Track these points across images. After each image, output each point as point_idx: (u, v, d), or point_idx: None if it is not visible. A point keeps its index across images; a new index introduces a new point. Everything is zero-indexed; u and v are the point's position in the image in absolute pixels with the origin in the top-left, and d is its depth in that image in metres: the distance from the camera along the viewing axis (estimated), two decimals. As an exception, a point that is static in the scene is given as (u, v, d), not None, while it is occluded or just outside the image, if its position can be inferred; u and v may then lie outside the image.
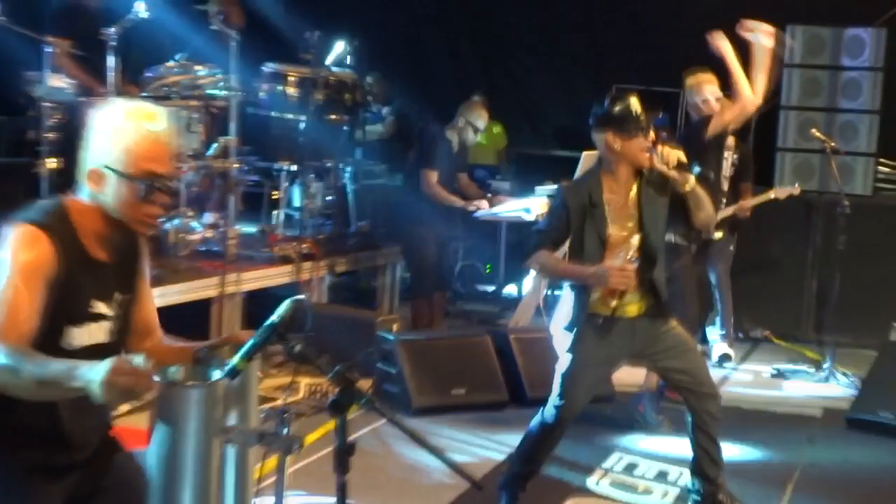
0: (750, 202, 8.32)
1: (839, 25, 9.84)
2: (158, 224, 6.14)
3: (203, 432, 2.91)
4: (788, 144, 9.65)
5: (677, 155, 5.24)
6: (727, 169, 8.08)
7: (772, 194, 8.40)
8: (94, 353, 2.97)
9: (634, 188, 5.15)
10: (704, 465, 5.40)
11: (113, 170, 2.97)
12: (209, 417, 2.91)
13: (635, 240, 5.09)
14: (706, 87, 7.05)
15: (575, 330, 5.11)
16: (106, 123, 3.03)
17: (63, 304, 2.93)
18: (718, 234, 7.94)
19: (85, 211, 3.03)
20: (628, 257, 5.07)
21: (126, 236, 3.13)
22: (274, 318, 2.97)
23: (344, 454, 2.89)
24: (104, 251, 3.07)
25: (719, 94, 6.97)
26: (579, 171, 7.71)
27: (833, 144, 8.71)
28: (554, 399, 5.08)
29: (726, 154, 7.86)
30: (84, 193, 3.04)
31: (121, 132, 3.00)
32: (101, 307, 3.05)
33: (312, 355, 2.96)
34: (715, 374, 8.35)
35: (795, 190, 8.50)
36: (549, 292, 8.20)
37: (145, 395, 2.90)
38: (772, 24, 9.74)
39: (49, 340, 2.91)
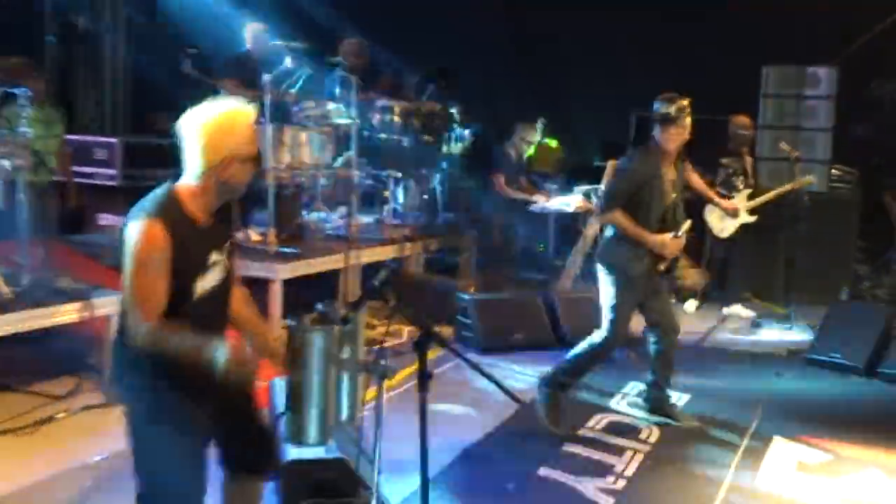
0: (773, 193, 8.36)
1: (802, 65, 9.69)
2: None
3: (324, 363, 2.93)
4: (764, 155, 9.48)
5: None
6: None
7: (788, 186, 8.35)
8: (215, 292, 2.99)
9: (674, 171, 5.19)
10: (662, 381, 5.45)
11: (239, 158, 2.93)
12: (329, 352, 2.93)
13: (687, 223, 5.12)
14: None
15: (625, 278, 5.11)
16: (221, 125, 2.92)
17: (188, 265, 2.89)
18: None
19: (192, 191, 2.93)
20: (680, 234, 5.08)
21: (224, 205, 3.05)
22: (374, 281, 3.00)
23: (424, 379, 2.93)
24: (210, 217, 2.99)
25: None
26: (605, 178, 7.68)
27: (797, 154, 8.57)
28: (606, 328, 5.07)
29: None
30: (193, 178, 2.94)
31: (238, 129, 2.94)
32: (214, 255, 3.00)
33: (403, 308, 3.01)
34: (710, 322, 8.35)
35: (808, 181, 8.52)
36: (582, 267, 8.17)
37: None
38: (750, 64, 9.74)
39: (183, 292, 2.89)
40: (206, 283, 2.98)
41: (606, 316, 5.14)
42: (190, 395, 2.95)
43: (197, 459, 3.02)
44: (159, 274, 2.80)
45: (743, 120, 8.72)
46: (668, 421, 5.53)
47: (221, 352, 2.79)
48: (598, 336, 5.18)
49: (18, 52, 6.97)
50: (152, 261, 2.79)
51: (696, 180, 5.73)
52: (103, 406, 5.37)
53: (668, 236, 5.06)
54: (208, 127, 2.91)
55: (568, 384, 5.28)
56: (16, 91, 5.51)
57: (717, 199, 6.63)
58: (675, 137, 5.14)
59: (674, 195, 5.17)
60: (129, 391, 3.03)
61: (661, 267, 5.14)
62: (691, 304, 8.80)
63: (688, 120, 5.18)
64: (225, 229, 3.10)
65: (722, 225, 8.50)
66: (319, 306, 3.02)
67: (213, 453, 3.24)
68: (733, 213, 7.91)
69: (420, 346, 2.94)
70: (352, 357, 2.98)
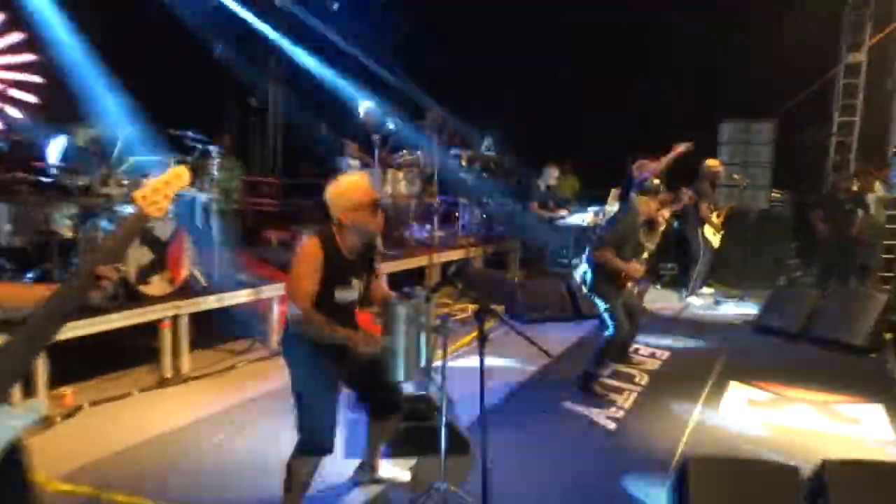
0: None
1: (749, 120, 9.36)
2: (382, 228, 6.21)
3: (410, 326, 2.94)
4: (724, 182, 9.17)
5: (665, 217, 5.16)
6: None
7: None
8: (351, 304, 3.05)
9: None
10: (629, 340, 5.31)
11: (346, 210, 2.99)
12: (413, 319, 2.94)
13: (645, 254, 4.98)
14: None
15: (606, 290, 4.90)
16: (343, 189, 3.03)
17: (330, 277, 2.95)
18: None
19: (337, 231, 3.02)
20: (643, 260, 4.96)
21: (365, 246, 3.11)
22: (448, 272, 2.98)
23: (483, 340, 2.90)
24: (351, 253, 3.05)
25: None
26: (609, 203, 7.59)
27: (746, 182, 8.29)
28: (613, 325, 4.86)
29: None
30: (336, 223, 3.03)
31: (352, 191, 3.02)
32: (354, 280, 3.05)
33: (468, 290, 2.98)
34: (682, 303, 8.09)
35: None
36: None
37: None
38: (706, 119, 9.41)
39: (326, 294, 2.95)
40: (344, 294, 3.02)
41: (609, 318, 4.92)
42: (328, 356, 2.98)
43: (330, 392, 3.05)
44: (311, 273, 2.90)
45: (714, 162, 8.13)
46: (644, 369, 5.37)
47: (353, 337, 2.88)
48: (608, 333, 4.98)
49: (210, 116, 7.08)
50: (309, 263, 2.91)
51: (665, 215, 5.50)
52: (269, 358, 5.45)
53: (637, 265, 4.89)
54: (332, 193, 3.05)
55: (600, 374, 5.05)
56: (210, 148, 5.62)
57: (714, 219, 6.41)
58: (649, 204, 4.95)
59: (643, 234, 5.03)
60: (289, 348, 3.08)
61: (629, 283, 4.99)
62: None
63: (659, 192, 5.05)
64: (365, 265, 3.15)
65: (715, 238, 7.99)
66: (406, 289, 3.01)
67: (354, 400, 3.26)
68: (718, 230, 7.71)
69: (479, 317, 2.91)
70: (426, 322, 2.97)
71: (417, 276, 7.35)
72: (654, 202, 5.03)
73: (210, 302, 5.29)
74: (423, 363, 2.97)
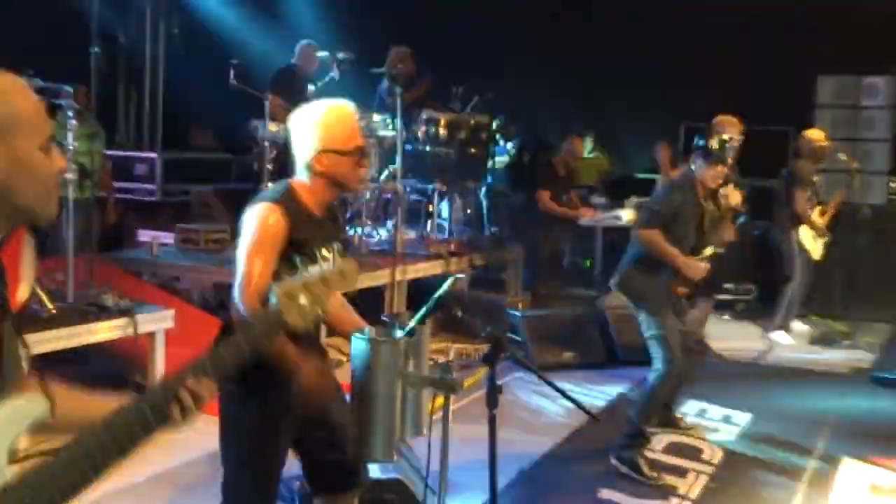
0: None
1: (858, 74, 9.56)
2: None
3: (389, 376, 2.89)
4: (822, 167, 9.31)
5: (737, 199, 5.12)
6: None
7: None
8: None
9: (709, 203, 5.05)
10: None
11: (333, 151, 3.01)
12: (394, 365, 2.89)
13: (709, 249, 5.00)
14: None
15: (651, 297, 4.95)
16: (316, 121, 3.06)
17: (296, 251, 2.95)
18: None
19: (305, 186, 3.06)
20: (705, 258, 4.97)
21: (331, 206, 3.19)
22: (440, 291, 2.95)
23: (494, 393, 2.86)
24: (322, 211, 3.10)
25: None
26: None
27: (856, 166, 8.42)
28: (661, 361, 4.86)
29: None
30: (303, 176, 3.07)
31: (339, 124, 3.06)
32: (324, 251, 3.07)
33: (469, 319, 2.95)
34: (766, 342, 8.19)
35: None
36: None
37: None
38: (804, 74, 9.61)
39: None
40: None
41: (655, 349, 4.94)
42: (282, 397, 2.97)
43: (277, 464, 3.09)
44: (269, 260, 2.91)
45: (818, 133, 8.19)
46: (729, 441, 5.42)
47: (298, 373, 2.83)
48: (656, 373, 5.00)
49: (63, 62, 7.02)
50: (265, 244, 2.91)
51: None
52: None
53: (699, 263, 4.93)
54: (302, 122, 3.08)
55: (648, 437, 5.04)
56: (62, 102, 5.52)
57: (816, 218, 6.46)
58: (714, 175, 4.97)
59: (707, 225, 5.06)
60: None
61: (682, 289, 5.01)
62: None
63: (731, 154, 5.05)
64: (334, 228, 3.24)
65: (815, 245, 8.06)
66: (385, 317, 2.98)
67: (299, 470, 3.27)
68: (821, 233, 7.82)
69: (490, 359, 2.87)
70: (417, 370, 2.93)
71: (370, 302, 7.31)
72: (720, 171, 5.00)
73: (57, 339, 5.19)
74: (409, 433, 2.93)
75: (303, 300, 1.98)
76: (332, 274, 2.06)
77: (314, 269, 2.05)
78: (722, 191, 5.08)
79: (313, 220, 3.05)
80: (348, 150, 3.04)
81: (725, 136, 5.14)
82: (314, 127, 3.05)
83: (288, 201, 2.99)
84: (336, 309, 3.23)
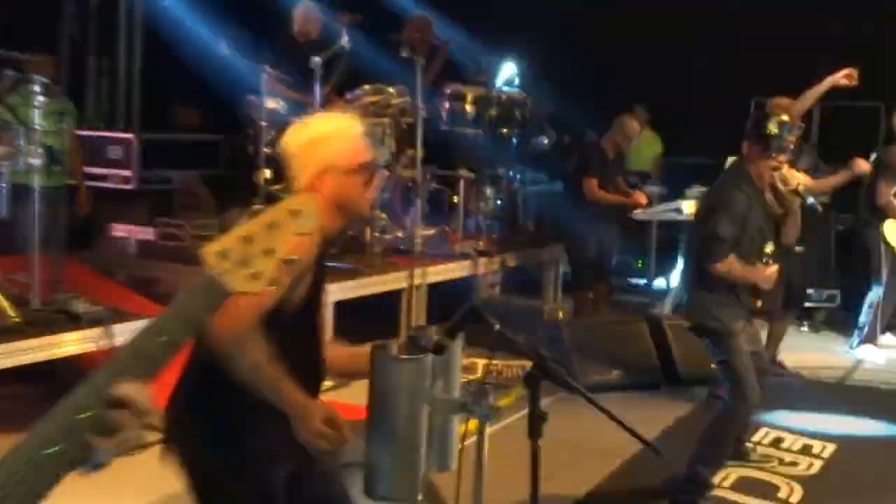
0: None
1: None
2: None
3: (413, 400, 2.89)
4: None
5: (798, 180, 5.08)
6: None
7: None
8: (299, 338, 3.03)
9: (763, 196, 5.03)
10: None
11: (337, 169, 3.00)
12: (419, 387, 2.89)
13: (770, 246, 4.97)
14: None
15: (729, 330, 4.90)
16: (327, 132, 3.08)
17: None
18: None
19: None
20: (770, 261, 4.94)
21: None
22: (474, 299, 2.95)
23: (538, 420, 2.86)
24: (321, 246, 3.04)
25: None
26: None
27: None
28: (732, 397, 4.87)
29: None
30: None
31: (342, 138, 3.06)
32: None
33: (510, 333, 2.95)
34: (851, 358, 8.15)
35: None
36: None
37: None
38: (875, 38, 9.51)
39: (278, 316, 2.89)
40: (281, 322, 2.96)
41: (727, 377, 4.91)
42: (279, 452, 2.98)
43: None
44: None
45: None
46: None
47: (312, 412, 2.86)
48: (724, 406, 4.98)
49: (28, 28, 7.06)
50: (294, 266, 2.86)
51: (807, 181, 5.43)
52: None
53: (770, 269, 4.91)
54: (305, 137, 3.08)
55: (712, 481, 5.05)
56: (27, 75, 5.57)
57: None
58: (768, 164, 4.94)
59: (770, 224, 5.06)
60: (198, 439, 3.04)
61: (760, 304, 5.00)
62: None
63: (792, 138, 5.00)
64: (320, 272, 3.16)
65: None
66: (414, 331, 3.00)
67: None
68: None
69: (532, 381, 2.87)
70: (446, 393, 2.94)
71: (384, 310, 7.33)
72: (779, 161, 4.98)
73: (21, 352, 5.23)
74: (436, 468, 2.95)
75: (245, 257, 1.75)
76: (279, 212, 1.79)
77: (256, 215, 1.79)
78: (777, 174, 5.04)
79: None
80: (356, 168, 3.03)
81: (785, 118, 5.07)
82: (311, 144, 3.06)
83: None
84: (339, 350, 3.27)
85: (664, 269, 9.33)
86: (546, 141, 9.58)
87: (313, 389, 3.09)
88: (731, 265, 4.82)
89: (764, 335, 6.92)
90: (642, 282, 10.01)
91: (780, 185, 5.07)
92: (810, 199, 5.94)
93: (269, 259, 1.74)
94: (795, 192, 5.14)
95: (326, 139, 3.06)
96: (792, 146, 5.14)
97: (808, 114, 7.18)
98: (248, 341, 2.82)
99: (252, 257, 1.74)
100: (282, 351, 2.87)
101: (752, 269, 4.87)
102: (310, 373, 3.09)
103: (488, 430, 2.96)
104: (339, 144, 3.05)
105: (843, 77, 6.63)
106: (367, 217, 3.17)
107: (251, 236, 1.74)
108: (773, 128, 4.89)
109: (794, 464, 5.71)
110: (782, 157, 4.97)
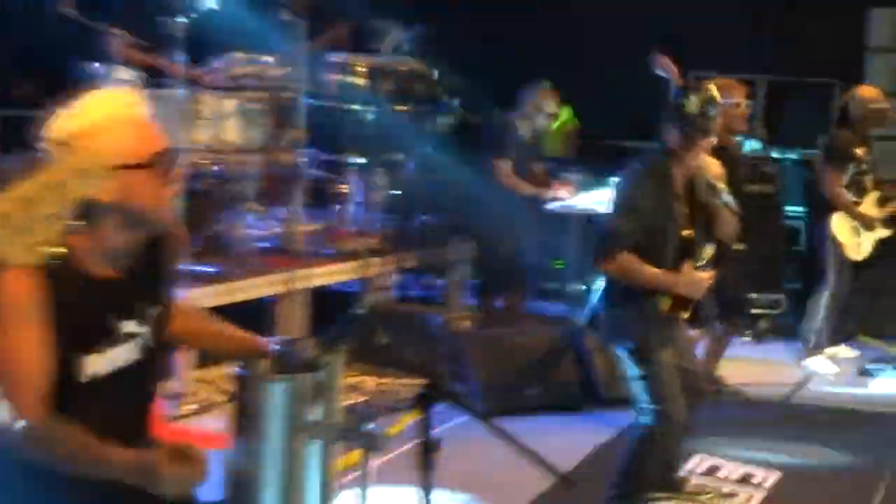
0: None
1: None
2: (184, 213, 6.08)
3: (287, 428, 2.91)
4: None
5: (714, 170, 5.11)
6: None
7: None
8: (120, 379, 2.93)
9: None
10: None
11: (125, 166, 2.82)
12: (292, 411, 2.91)
13: (709, 249, 5.02)
14: None
15: (639, 331, 4.97)
16: (100, 123, 2.83)
17: (74, 332, 2.80)
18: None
19: (77, 229, 2.80)
20: (702, 264, 4.97)
21: (147, 247, 3.00)
22: (359, 308, 2.98)
23: (430, 450, 2.90)
24: (114, 267, 2.92)
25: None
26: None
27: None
28: (651, 414, 4.92)
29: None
30: (78, 204, 2.77)
31: (119, 128, 2.85)
32: (126, 326, 2.94)
33: (397, 348, 2.98)
34: (800, 371, 8.31)
35: None
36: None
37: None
38: (853, 9, 9.77)
39: (68, 376, 2.81)
40: (107, 359, 2.89)
41: (645, 392, 4.96)
42: None
43: None
44: (38, 339, 2.74)
45: (871, 92, 8.35)
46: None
47: (149, 464, 2.75)
48: (643, 423, 5.03)
49: None
50: (26, 321, 2.73)
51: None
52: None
53: (694, 274, 4.92)
54: (71, 131, 2.81)
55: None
56: None
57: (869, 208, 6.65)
58: (696, 147, 4.95)
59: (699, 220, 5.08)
60: None
61: (686, 314, 5.07)
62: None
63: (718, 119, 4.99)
64: (149, 285, 3.04)
65: (856, 241, 8.18)
66: (276, 345, 2.99)
67: None
68: (869, 225, 7.96)
69: (425, 403, 2.91)
70: (325, 418, 2.95)
71: (256, 318, 7.30)
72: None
73: None
74: (313, 502, 2.97)
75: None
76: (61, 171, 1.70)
77: None
78: (694, 163, 5.02)
79: (92, 284, 2.86)
80: (149, 161, 2.85)
81: (712, 94, 4.96)
82: (90, 137, 2.79)
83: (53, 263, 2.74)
84: (206, 325, 3.28)
85: (585, 271, 9.43)
86: (451, 121, 9.64)
87: (141, 434, 3.04)
88: (625, 265, 4.80)
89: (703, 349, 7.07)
90: (560, 286, 10.06)
91: (707, 176, 5.08)
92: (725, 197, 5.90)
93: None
94: (711, 185, 5.14)
95: (109, 126, 2.81)
96: (718, 126, 5.04)
97: (752, 91, 7.32)
98: (52, 433, 2.76)
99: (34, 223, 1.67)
100: (90, 415, 2.81)
101: (664, 273, 4.83)
102: (131, 421, 3.03)
103: (374, 461, 3.01)
104: (125, 131, 2.84)
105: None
106: (169, 222, 2.97)
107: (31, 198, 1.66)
108: (692, 105, 4.85)
109: (732, 495, 5.77)
110: (705, 142, 4.93)
